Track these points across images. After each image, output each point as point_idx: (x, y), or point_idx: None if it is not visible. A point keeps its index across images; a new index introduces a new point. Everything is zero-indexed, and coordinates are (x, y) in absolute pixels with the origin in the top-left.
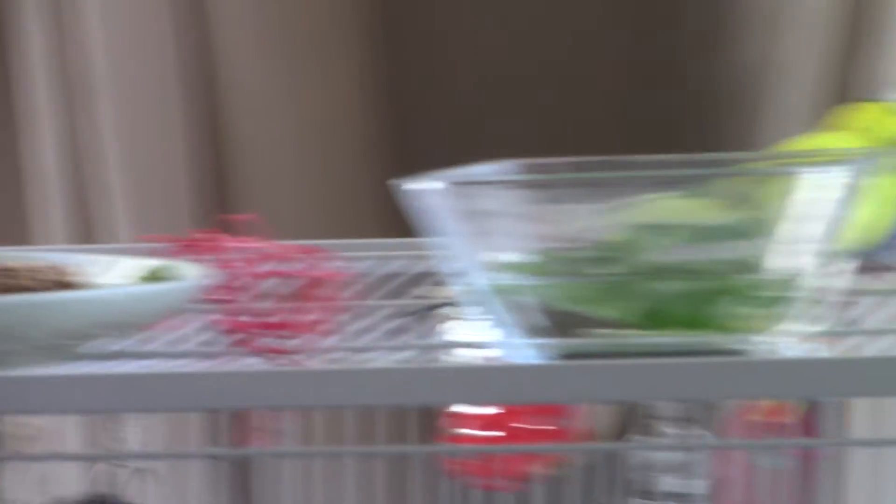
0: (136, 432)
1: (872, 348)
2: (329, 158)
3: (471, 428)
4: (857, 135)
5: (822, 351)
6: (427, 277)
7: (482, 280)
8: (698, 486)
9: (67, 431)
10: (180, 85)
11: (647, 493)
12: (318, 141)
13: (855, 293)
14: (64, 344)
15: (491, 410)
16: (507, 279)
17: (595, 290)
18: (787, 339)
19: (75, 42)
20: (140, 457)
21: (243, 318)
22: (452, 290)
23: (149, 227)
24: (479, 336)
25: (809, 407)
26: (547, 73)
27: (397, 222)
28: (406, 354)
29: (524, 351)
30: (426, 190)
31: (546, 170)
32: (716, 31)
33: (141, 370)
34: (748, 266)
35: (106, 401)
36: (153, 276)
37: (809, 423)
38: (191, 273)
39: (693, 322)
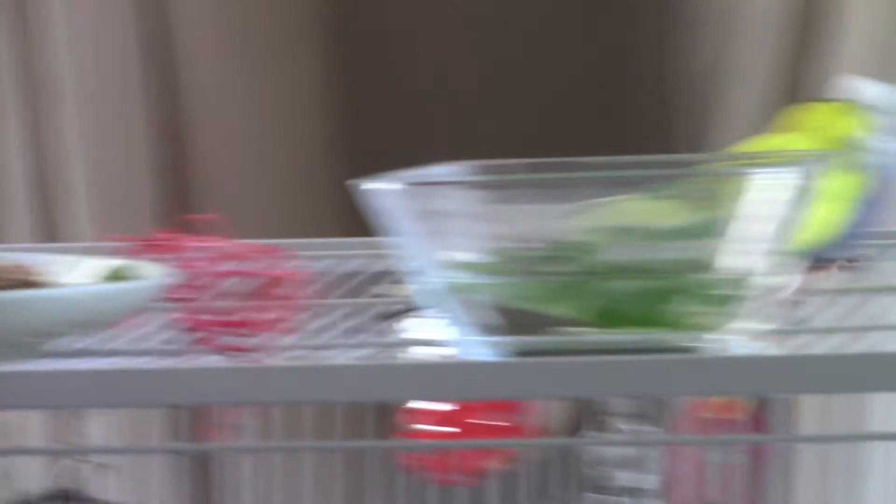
0: (98, 428)
1: (822, 346)
2: (289, 158)
3: (427, 424)
4: (808, 135)
5: (772, 349)
6: (385, 276)
7: (438, 279)
8: (651, 480)
9: (31, 427)
10: (143, 86)
11: (601, 488)
12: (278, 141)
13: (805, 292)
14: (29, 342)
15: (447, 407)
16: (462, 278)
17: (549, 289)
18: (738, 337)
19: (40, 43)
20: (102, 451)
21: (204, 317)
22: (410, 288)
23: (112, 227)
24: (435, 334)
25: (759, 404)
26: (503, 74)
27: (356, 222)
28: (364, 352)
29: (479, 348)
30: (383, 190)
31: (501, 171)
32: (668, 34)
33: (104, 367)
34: (701, 265)
35: (70, 397)
36: (116, 276)
37: (759, 419)
38: (153, 272)
39: (646, 320)
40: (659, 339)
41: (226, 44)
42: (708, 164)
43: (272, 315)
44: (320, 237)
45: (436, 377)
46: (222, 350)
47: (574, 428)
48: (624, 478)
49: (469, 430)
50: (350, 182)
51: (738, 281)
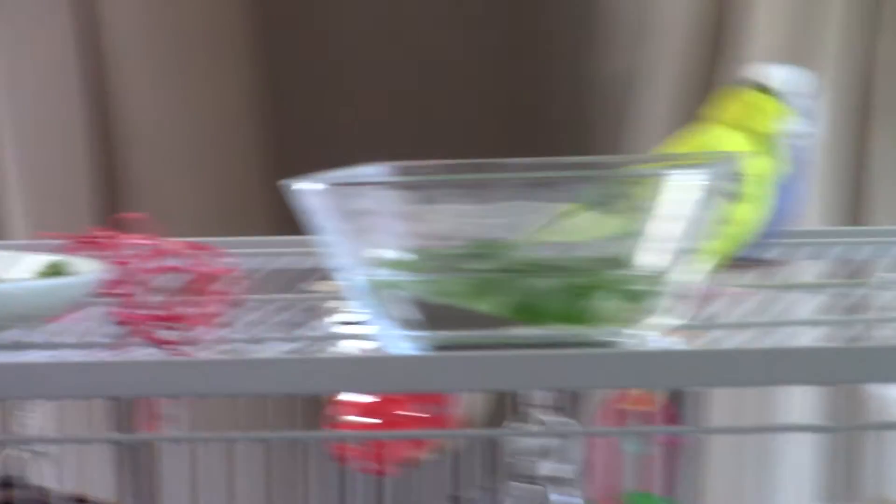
0: (37, 418)
1: (733, 341)
2: (220, 160)
3: (355, 415)
4: (728, 126)
5: (684, 344)
6: (314, 273)
7: (363, 276)
8: (571, 470)
9: None
10: (79, 88)
11: (522, 477)
12: (209, 143)
13: (719, 289)
14: None
15: (373, 399)
16: (386, 275)
17: (470, 286)
18: (654, 333)
19: None
20: (41, 441)
21: (140, 311)
22: (337, 284)
23: (47, 226)
24: (359, 328)
25: (672, 396)
26: (428, 77)
27: (286, 221)
28: (294, 346)
29: (402, 343)
30: (309, 190)
31: (421, 171)
32: (584, 39)
33: (44, 360)
34: (618, 263)
35: (10, 389)
36: (53, 272)
37: (671, 411)
38: (89, 268)
39: (565, 316)
40: (577, 334)
41: (157, 48)
42: (625, 165)
43: (205, 310)
44: (251, 235)
45: (360, 370)
46: (158, 343)
47: (497, 419)
48: (545, 467)
49: (396, 422)
50: (280, 183)
51: (654, 278)
